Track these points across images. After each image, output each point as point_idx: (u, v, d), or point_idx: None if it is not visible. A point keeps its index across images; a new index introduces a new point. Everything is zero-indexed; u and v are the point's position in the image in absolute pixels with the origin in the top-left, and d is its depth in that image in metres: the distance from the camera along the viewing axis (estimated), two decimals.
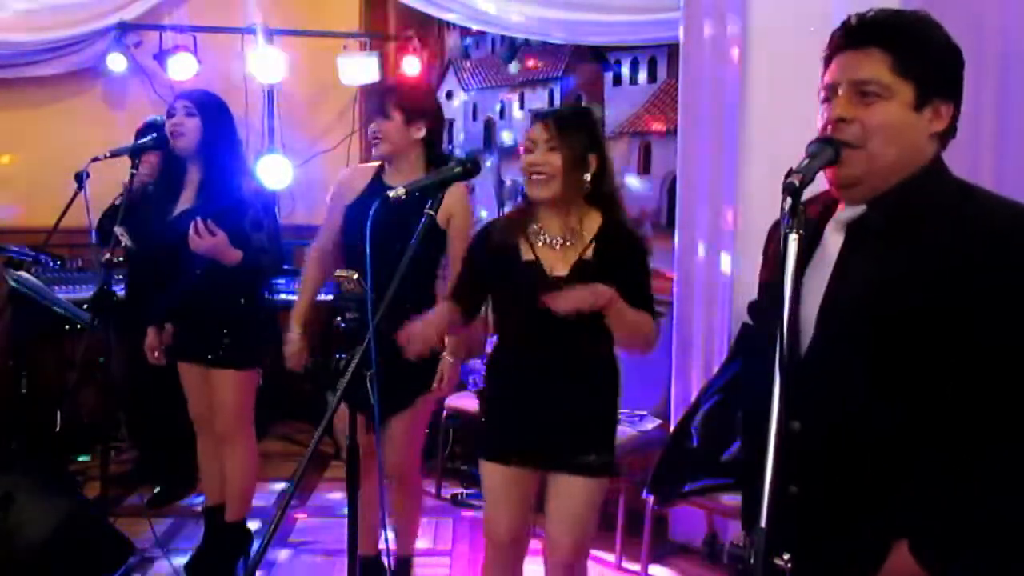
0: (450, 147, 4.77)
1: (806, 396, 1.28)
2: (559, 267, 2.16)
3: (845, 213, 1.39)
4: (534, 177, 2.14)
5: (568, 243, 2.18)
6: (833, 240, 1.40)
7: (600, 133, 2.26)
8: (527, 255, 2.19)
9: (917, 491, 1.31)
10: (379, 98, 2.64)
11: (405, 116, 2.63)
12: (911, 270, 1.31)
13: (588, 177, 2.15)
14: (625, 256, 2.17)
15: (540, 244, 2.19)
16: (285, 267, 3.34)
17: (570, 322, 2.04)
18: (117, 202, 3.74)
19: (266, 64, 4.61)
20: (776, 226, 1.59)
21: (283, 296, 4.44)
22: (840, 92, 1.34)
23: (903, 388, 1.31)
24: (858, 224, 1.38)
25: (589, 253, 2.15)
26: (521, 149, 2.20)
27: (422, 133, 2.66)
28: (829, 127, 1.34)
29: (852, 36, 1.35)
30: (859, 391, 1.34)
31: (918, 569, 1.29)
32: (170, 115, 2.89)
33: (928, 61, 1.33)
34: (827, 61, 1.39)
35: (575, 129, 2.15)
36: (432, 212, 1.81)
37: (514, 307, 2.25)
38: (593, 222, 2.20)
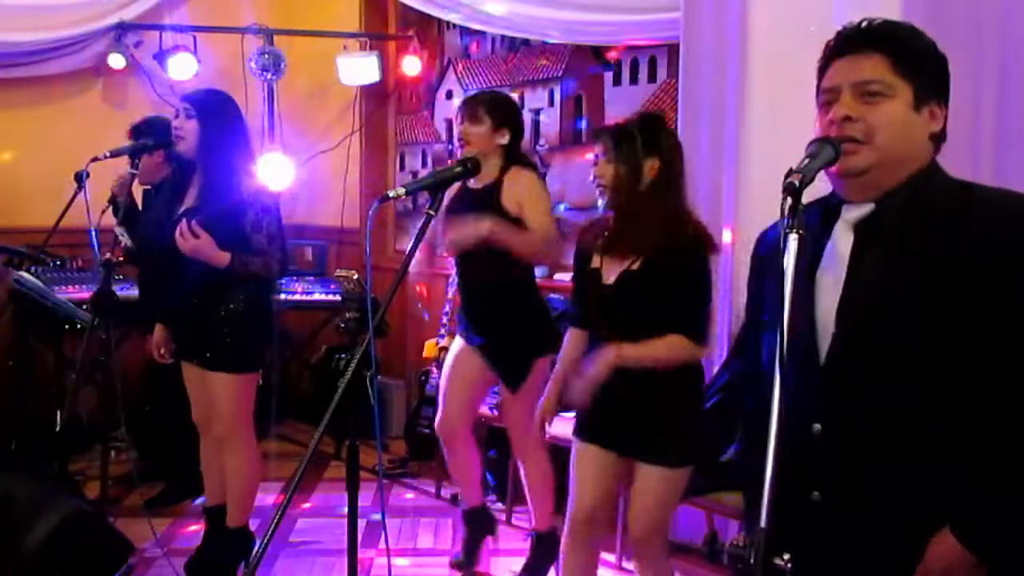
0: (449, 146, 4.78)
1: (827, 398, 1.28)
2: (611, 276, 2.30)
3: (853, 212, 1.40)
4: (598, 187, 2.34)
5: (627, 253, 2.30)
6: (843, 240, 1.40)
7: (664, 139, 2.34)
8: (595, 263, 2.36)
9: (959, 482, 1.30)
10: (470, 105, 2.90)
11: (493, 122, 2.85)
12: (931, 266, 1.32)
13: (644, 183, 2.27)
14: (675, 271, 2.25)
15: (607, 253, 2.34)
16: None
17: (641, 326, 2.23)
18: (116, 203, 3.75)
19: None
20: (763, 237, 1.62)
21: (283, 297, 4.46)
22: (843, 94, 1.36)
23: (935, 383, 1.31)
24: (868, 222, 1.39)
25: (636, 264, 2.26)
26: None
27: (505, 139, 2.88)
28: (834, 127, 1.36)
29: (850, 42, 1.39)
30: (887, 391, 1.33)
31: (966, 555, 1.29)
32: (175, 117, 2.90)
33: (923, 63, 1.37)
34: (823, 69, 1.43)
35: (631, 139, 2.29)
36: (432, 212, 1.81)
37: (589, 310, 2.44)
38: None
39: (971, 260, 1.29)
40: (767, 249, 1.57)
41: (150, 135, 3.32)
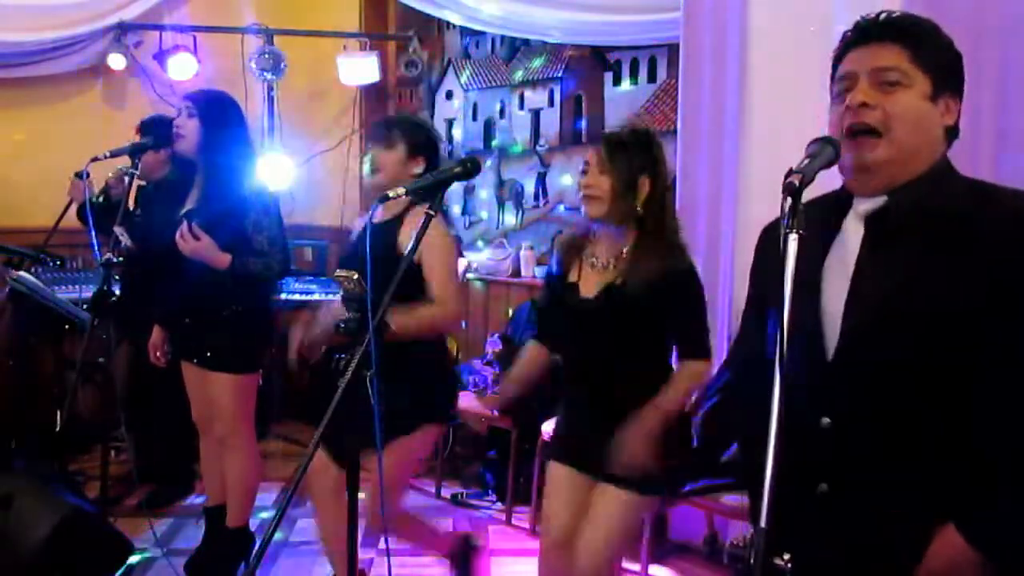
0: (450, 147, 4.78)
1: (836, 392, 1.28)
2: (591, 289, 2.21)
3: (864, 205, 1.39)
4: (586, 197, 2.22)
5: (610, 267, 2.21)
6: (853, 233, 1.40)
7: (657, 156, 2.23)
8: (573, 276, 2.28)
9: (962, 478, 1.30)
10: (383, 128, 2.61)
11: (408, 149, 2.55)
12: (943, 266, 1.31)
13: (640, 200, 2.17)
14: (666, 289, 2.13)
15: (588, 267, 2.26)
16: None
17: (620, 343, 2.16)
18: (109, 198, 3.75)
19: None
20: (767, 231, 1.61)
21: (283, 297, 4.46)
22: (860, 81, 1.35)
23: (941, 381, 1.31)
24: (880, 216, 1.37)
25: (620, 279, 2.17)
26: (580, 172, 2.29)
27: (420, 168, 2.55)
28: (850, 112, 1.34)
29: (868, 32, 1.38)
30: (895, 386, 1.32)
31: (971, 554, 1.29)
32: (177, 115, 2.90)
33: (940, 56, 1.37)
34: (838, 59, 1.42)
35: (625, 152, 2.19)
36: (432, 212, 1.80)
37: (558, 326, 2.34)
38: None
39: (983, 262, 1.28)
40: (771, 241, 1.56)
41: (157, 133, 3.32)
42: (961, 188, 1.37)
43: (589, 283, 2.23)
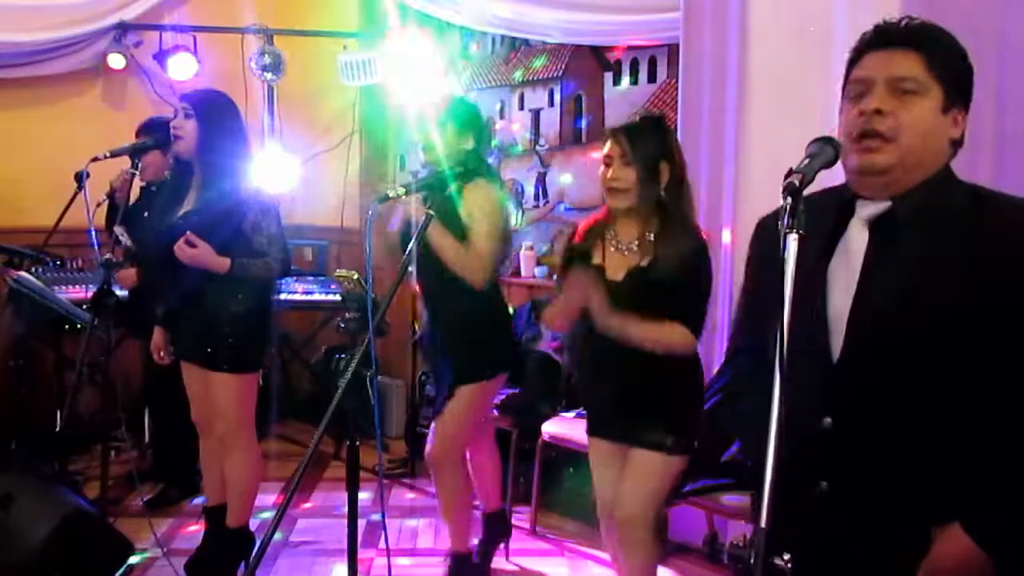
0: None
1: (840, 393, 1.29)
2: (618, 272, 2.32)
3: (868, 209, 1.40)
4: (612, 190, 2.30)
5: (634, 250, 2.32)
6: (857, 237, 1.41)
7: (672, 141, 2.37)
8: (597, 258, 2.37)
9: (966, 478, 1.32)
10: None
11: (458, 128, 2.80)
12: (948, 270, 1.32)
13: (662, 186, 2.29)
14: (680, 267, 2.26)
15: (611, 249, 2.35)
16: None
17: (646, 320, 2.22)
18: (114, 200, 3.75)
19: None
20: (763, 225, 1.63)
21: (283, 297, 4.45)
22: (877, 87, 1.36)
23: (945, 383, 1.32)
24: (884, 221, 1.39)
25: (646, 261, 2.28)
26: (601, 164, 2.36)
27: (470, 145, 2.81)
28: (863, 118, 1.36)
29: (887, 37, 1.39)
30: (898, 388, 1.34)
31: (980, 555, 1.30)
32: (174, 117, 2.90)
33: (955, 68, 1.39)
34: (853, 61, 1.43)
35: (646, 141, 2.29)
36: (431, 212, 1.81)
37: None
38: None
39: (985, 263, 1.30)
40: (768, 235, 1.57)
41: (157, 134, 3.33)
42: (963, 193, 1.39)
43: (615, 266, 2.32)
